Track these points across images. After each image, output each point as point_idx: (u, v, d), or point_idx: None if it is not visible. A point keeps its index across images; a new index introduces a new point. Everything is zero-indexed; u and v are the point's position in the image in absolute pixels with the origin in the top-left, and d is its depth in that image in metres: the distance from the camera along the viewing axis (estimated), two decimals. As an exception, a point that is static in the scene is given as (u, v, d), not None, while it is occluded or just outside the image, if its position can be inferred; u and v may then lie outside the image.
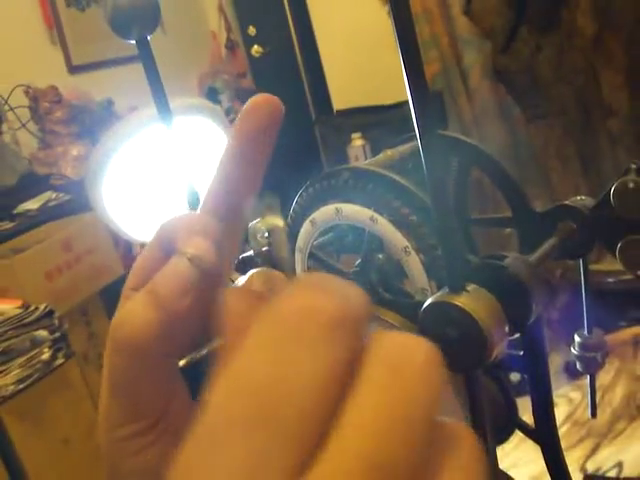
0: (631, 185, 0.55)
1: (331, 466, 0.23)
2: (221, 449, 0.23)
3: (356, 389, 0.24)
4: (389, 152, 0.62)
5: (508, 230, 0.64)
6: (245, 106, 0.39)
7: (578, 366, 0.69)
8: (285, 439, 0.23)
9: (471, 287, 0.41)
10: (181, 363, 0.37)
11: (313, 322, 0.24)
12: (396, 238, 0.52)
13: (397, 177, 0.52)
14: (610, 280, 2.38)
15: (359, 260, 0.56)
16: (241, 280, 0.37)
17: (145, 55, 0.44)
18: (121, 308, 0.36)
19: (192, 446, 0.24)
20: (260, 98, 0.39)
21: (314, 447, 0.23)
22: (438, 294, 0.41)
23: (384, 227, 0.52)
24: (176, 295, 0.33)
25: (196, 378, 0.35)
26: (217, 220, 0.37)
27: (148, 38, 0.44)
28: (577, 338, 0.68)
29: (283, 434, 0.23)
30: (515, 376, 0.63)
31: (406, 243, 0.51)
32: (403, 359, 0.25)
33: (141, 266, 0.38)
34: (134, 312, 0.34)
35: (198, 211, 0.39)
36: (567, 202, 0.60)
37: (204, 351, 0.36)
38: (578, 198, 0.60)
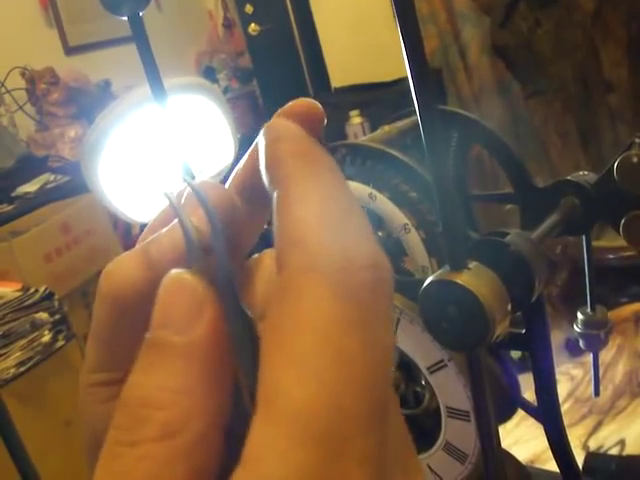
0: (635, 160, 0.54)
1: None
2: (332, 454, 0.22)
3: None
4: (387, 128, 0.61)
5: (509, 206, 0.63)
6: (283, 108, 0.37)
7: (581, 344, 0.68)
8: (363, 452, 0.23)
9: (473, 264, 0.41)
10: None
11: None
12: (396, 215, 0.51)
13: (396, 153, 0.51)
14: (611, 257, 2.37)
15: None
16: (254, 258, 0.37)
17: (137, 32, 0.43)
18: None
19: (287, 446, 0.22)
20: (299, 103, 0.36)
21: None
22: (439, 272, 0.41)
23: (383, 204, 0.51)
24: (166, 259, 0.33)
25: None
26: (239, 199, 0.36)
27: (140, 14, 0.43)
28: (580, 315, 0.67)
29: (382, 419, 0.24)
30: (516, 353, 0.63)
31: (406, 220, 0.51)
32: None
33: (151, 226, 0.37)
34: (123, 266, 0.34)
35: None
36: (569, 177, 0.59)
37: None
38: (580, 173, 0.59)
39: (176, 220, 0.34)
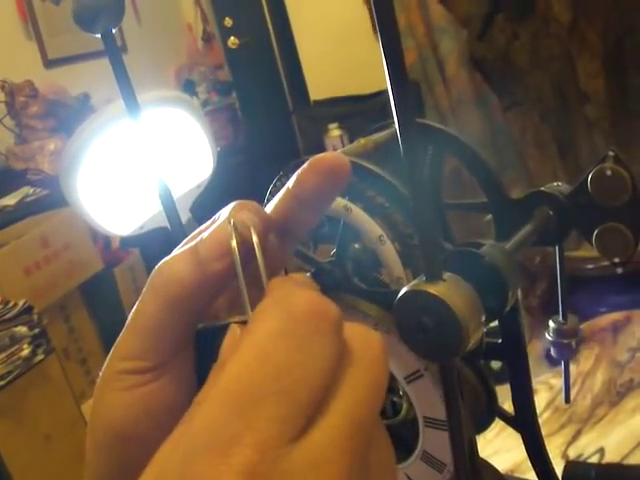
0: (608, 172, 0.55)
1: (331, 424, 0.30)
2: (247, 410, 0.29)
3: (346, 371, 0.32)
4: (362, 141, 0.62)
5: (487, 217, 0.64)
6: (311, 161, 0.40)
7: (552, 352, 0.69)
8: (297, 408, 0.30)
9: (447, 276, 0.41)
10: (199, 326, 0.39)
11: (326, 322, 0.32)
12: (371, 227, 0.51)
13: (371, 166, 0.51)
14: (589, 267, 2.39)
15: (334, 250, 0.56)
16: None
17: (110, 48, 0.43)
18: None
19: (217, 403, 0.30)
20: (327, 158, 0.40)
21: (316, 412, 0.30)
22: (414, 283, 0.41)
23: (359, 216, 0.52)
24: (213, 256, 0.36)
25: (204, 348, 0.39)
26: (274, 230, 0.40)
27: (113, 31, 0.43)
28: (552, 324, 0.68)
29: (296, 405, 0.30)
30: (496, 364, 0.63)
31: (381, 232, 0.51)
32: (372, 350, 0.34)
33: (198, 230, 0.40)
34: (175, 264, 0.37)
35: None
36: (543, 188, 0.59)
37: (222, 322, 0.38)
38: (555, 184, 0.60)
39: (219, 221, 0.38)
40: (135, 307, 0.38)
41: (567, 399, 0.75)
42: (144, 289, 0.38)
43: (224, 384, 0.30)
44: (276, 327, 0.31)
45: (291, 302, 0.32)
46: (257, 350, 0.31)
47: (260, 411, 0.29)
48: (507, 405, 0.62)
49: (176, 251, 0.39)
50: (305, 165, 0.40)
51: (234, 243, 0.36)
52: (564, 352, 0.68)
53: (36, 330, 2.28)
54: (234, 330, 0.35)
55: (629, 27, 2.46)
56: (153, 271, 0.38)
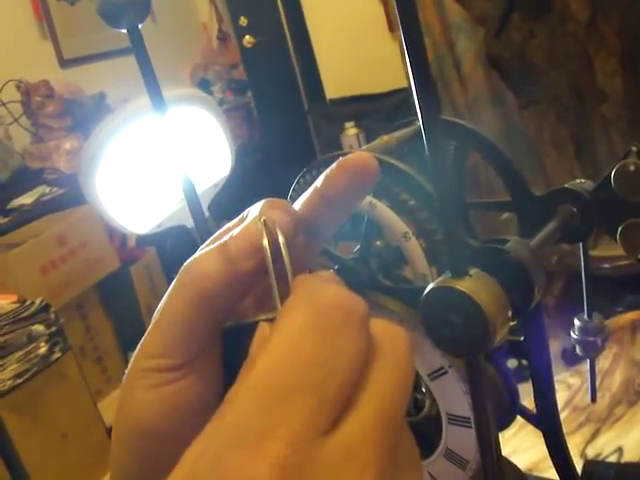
0: (632, 168, 0.54)
1: (361, 417, 0.31)
2: (278, 405, 0.29)
3: (373, 366, 0.32)
4: (385, 138, 0.62)
5: (505, 215, 0.63)
6: (339, 161, 0.40)
7: (578, 350, 0.68)
8: (328, 402, 0.30)
9: (473, 272, 0.41)
10: (227, 324, 0.39)
11: (353, 317, 0.32)
12: (396, 224, 0.51)
13: (396, 162, 0.51)
14: (606, 266, 2.38)
15: (358, 247, 0.56)
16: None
17: (137, 44, 0.43)
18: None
19: (247, 399, 0.30)
20: (356, 158, 0.40)
21: (346, 406, 0.31)
22: (440, 279, 0.41)
23: (383, 213, 0.51)
24: (243, 254, 0.36)
25: (232, 346, 0.38)
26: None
27: (139, 27, 0.43)
28: (577, 322, 0.67)
29: (326, 398, 0.30)
30: (512, 362, 0.63)
31: (406, 229, 0.51)
32: (399, 345, 0.34)
33: (225, 227, 0.40)
34: (204, 261, 0.37)
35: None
36: (567, 185, 0.59)
37: (250, 320, 0.37)
38: (578, 181, 0.60)
39: (249, 219, 0.38)
40: (161, 304, 0.38)
41: (593, 398, 0.75)
42: (171, 286, 0.38)
43: (254, 380, 0.30)
44: (304, 322, 0.32)
45: (318, 297, 0.33)
46: (286, 345, 0.31)
47: (291, 405, 0.29)
48: (526, 403, 0.62)
49: (203, 249, 0.38)
50: (333, 165, 0.40)
51: (265, 242, 0.36)
52: (590, 350, 0.68)
53: (53, 328, 2.28)
54: (263, 327, 0.35)
55: (647, 25, 2.45)
56: (182, 268, 0.38)
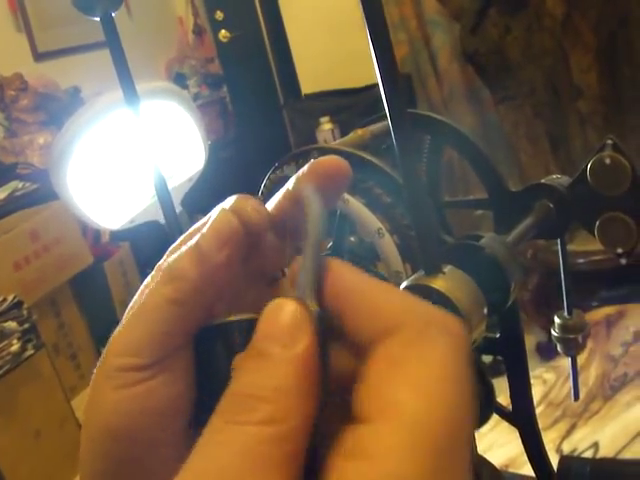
0: (607, 161, 0.54)
1: None
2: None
3: None
4: (359, 132, 0.61)
5: (480, 211, 0.63)
6: (311, 164, 0.39)
7: (559, 348, 0.68)
8: (463, 460, 0.28)
9: (447, 269, 0.40)
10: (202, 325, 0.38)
11: (464, 362, 0.30)
12: (369, 220, 0.50)
13: (369, 157, 0.51)
14: (581, 261, 2.38)
15: (330, 243, 0.55)
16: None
17: (110, 33, 0.43)
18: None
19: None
20: (325, 162, 0.39)
21: None
22: (414, 277, 0.40)
23: (357, 208, 0.51)
24: (214, 247, 0.36)
25: (205, 349, 0.37)
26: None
27: (112, 15, 0.42)
28: (557, 320, 0.67)
29: (463, 459, 0.28)
30: (487, 358, 0.63)
31: (379, 225, 0.50)
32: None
33: (194, 227, 0.40)
34: (177, 261, 0.37)
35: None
36: (543, 181, 0.59)
37: (225, 320, 0.37)
38: (554, 177, 0.59)
39: (215, 215, 0.37)
40: (133, 302, 0.38)
41: (576, 396, 0.74)
42: (143, 284, 0.37)
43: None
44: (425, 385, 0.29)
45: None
46: (411, 423, 0.28)
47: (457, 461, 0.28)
48: (500, 399, 0.61)
49: (173, 250, 0.38)
50: (305, 168, 0.39)
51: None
52: (571, 347, 0.67)
53: (26, 325, 2.26)
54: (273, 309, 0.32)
55: (622, 21, 2.46)
56: (155, 268, 0.38)
